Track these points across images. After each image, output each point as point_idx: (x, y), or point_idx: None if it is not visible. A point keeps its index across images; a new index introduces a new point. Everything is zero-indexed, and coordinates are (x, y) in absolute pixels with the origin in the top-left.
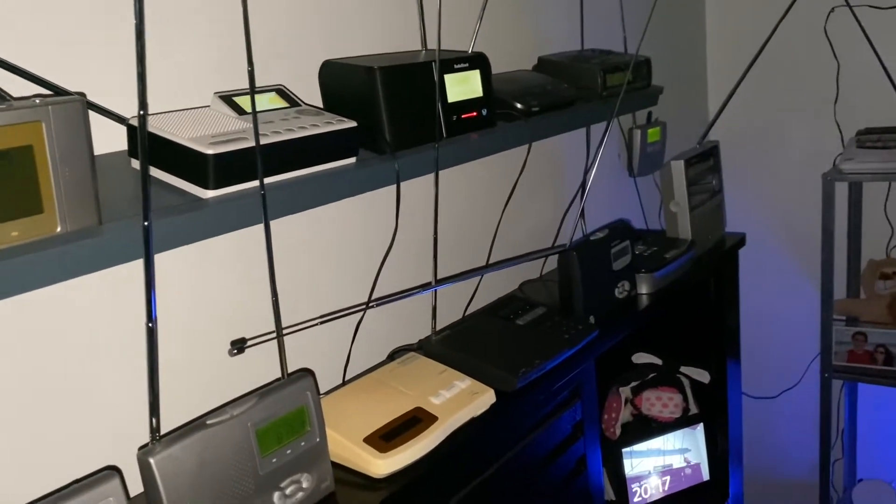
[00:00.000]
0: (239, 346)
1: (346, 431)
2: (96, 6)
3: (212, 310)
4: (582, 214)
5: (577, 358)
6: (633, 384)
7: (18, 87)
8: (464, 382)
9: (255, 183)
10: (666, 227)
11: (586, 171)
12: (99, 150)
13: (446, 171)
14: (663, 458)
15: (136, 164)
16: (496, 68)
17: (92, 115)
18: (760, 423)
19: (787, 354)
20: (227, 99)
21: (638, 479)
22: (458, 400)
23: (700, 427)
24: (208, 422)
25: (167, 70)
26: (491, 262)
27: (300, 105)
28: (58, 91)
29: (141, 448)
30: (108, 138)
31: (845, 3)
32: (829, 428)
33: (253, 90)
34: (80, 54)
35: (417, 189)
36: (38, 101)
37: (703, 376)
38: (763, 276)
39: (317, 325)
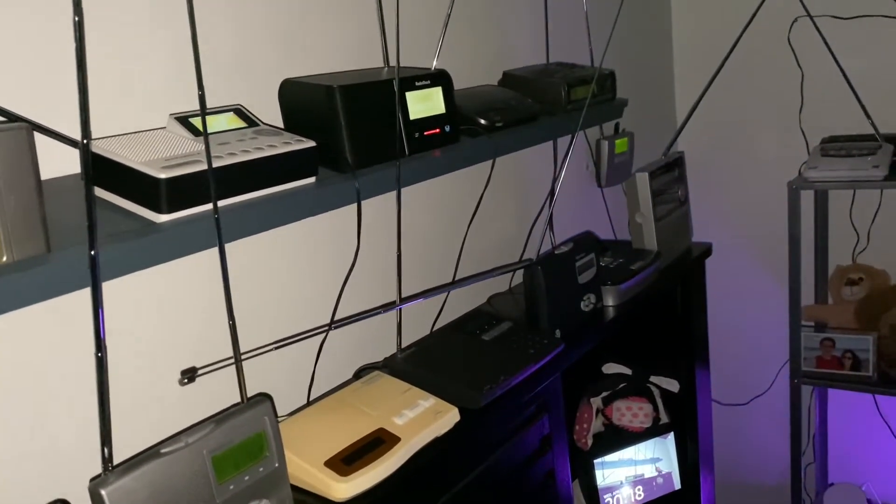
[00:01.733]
0: (189, 375)
1: (307, 455)
2: (53, 32)
3: (170, 335)
4: (551, 227)
5: (542, 372)
6: (604, 394)
7: None
8: (428, 401)
9: (211, 206)
10: (632, 239)
11: (553, 184)
12: (57, 172)
13: (412, 187)
14: (635, 468)
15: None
16: (461, 83)
17: (46, 139)
18: (732, 430)
19: (756, 361)
20: (183, 120)
21: (610, 489)
22: (422, 420)
23: (671, 436)
24: (162, 450)
25: (125, 91)
26: (459, 276)
27: (258, 125)
28: (8, 117)
29: (92, 479)
30: (67, 161)
31: (807, 14)
32: (799, 433)
33: (204, 112)
34: (36, 77)
35: (382, 206)
36: None
37: (673, 385)
38: (732, 285)
39: (272, 349)
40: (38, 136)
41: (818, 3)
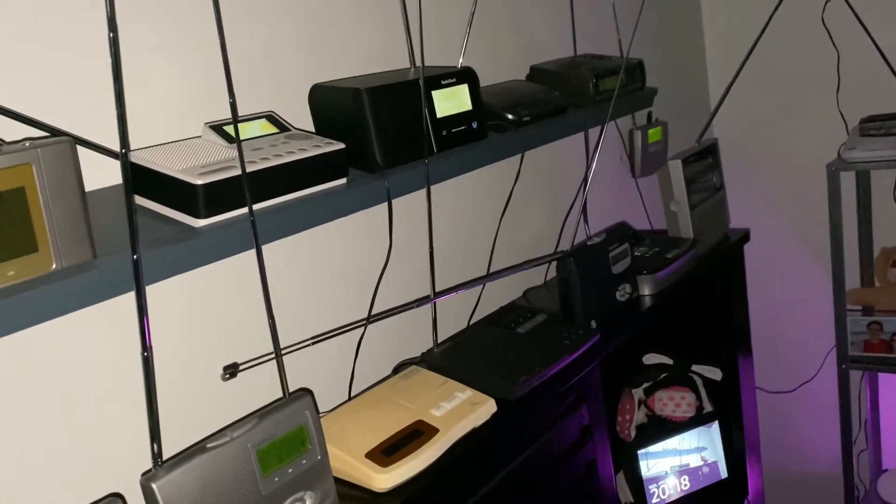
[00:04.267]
0: (231, 370)
1: (348, 447)
2: (90, 49)
3: (212, 335)
4: (585, 218)
5: (579, 363)
6: (646, 385)
7: (16, 130)
8: (464, 393)
9: (246, 209)
10: (668, 227)
11: (585, 175)
12: (101, 184)
13: (443, 184)
14: (679, 458)
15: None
16: (489, 79)
17: (90, 152)
18: (780, 418)
19: (803, 348)
20: (218, 128)
21: (655, 479)
22: (459, 411)
23: (715, 425)
24: (208, 445)
25: (161, 103)
26: (492, 270)
27: (290, 130)
28: (52, 132)
29: (144, 474)
30: (108, 172)
31: None
32: (849, 419)
33: (236, 120)
34: (78, 92)
35: (413, 204)
36: (27, 143)
37: (715, 374)
38: (774, 271)
39: (311, 344)
40: (80, 150)
41: None
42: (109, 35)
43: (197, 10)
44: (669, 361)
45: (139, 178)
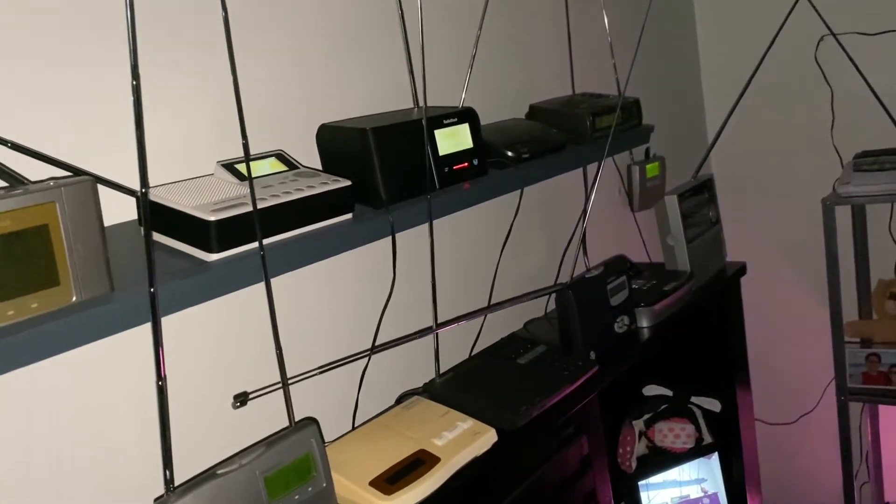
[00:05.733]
0: (241, 399)
1: (353, 475)
2: (110, 92)
3: (223, 366)
4: (585, 252)
5: (578, 393)
6: (646, 417)
7: (41, 170)
8: (466, 423)
9: (256, 244)
10: (665, 261)
11: (583, 210)
12: (118, 219)
13: (445, 218)
14: (680, 489)
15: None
16: (490, 118)
17: (108, 189)
18: (781, 450)
19: (803, 380)
20: (230, 167)
21: None
22: (461, 440)
23: (715, 456)
24: (218, 472)
25: (175, 141)
26: (493, 303)
27: (298, 168)
28: (73, 171)
29: (157, 499)
30: (124, 208)
31: (831, 34)
32: (849, 451)
33: (248, 159)
34: (97, 134)
35: (417, 238)
36: (51, 183)
37: (715, 405)
38: (774, 304)
39: (317, 374)
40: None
41: (844, 21)
42: (133, 83)
43: (211, 56)
44: (669, 393)
45: (154, 214)
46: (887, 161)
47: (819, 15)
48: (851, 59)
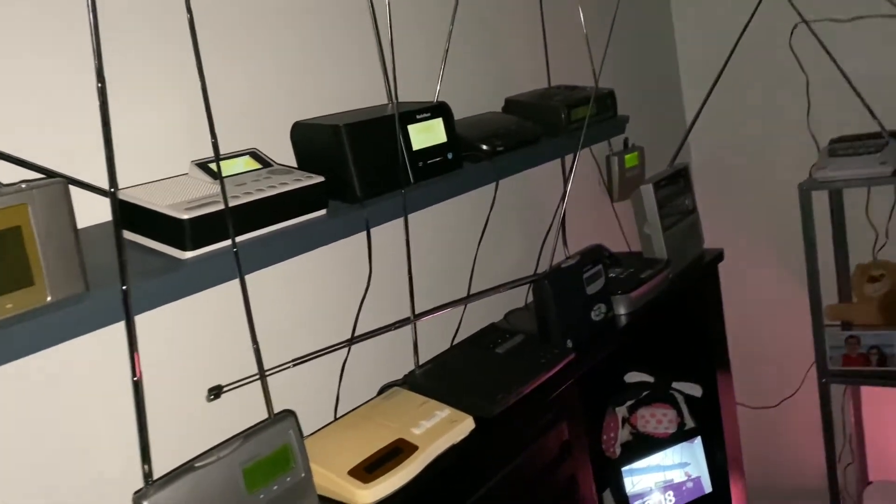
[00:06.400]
0: (215, 392)
1: (332, 465)
2: (80, 95)
3: (200, 361)
4: (565, 243)
5: (555, 380)
6: (628, 403)
7: (12, 173)
8: (443, 412)
9: (230, 241)
10: (643, 250)
11: (561, 201)
12: (93, 220)
13: (421, 212)
14: (664, 474)
15: (126, 233)
16: (466, 112)
17: (82, 191)
18: (764, 433)
19: (784, 364)
20: (203, 165)
21: (640, 496)
22: (438, 429)
23: (698, 440)
24: (196, 464)
25: (148, 142)
26: (471, 294)
27: (272, 165)
28: (46, 173)
29: (136, 493)
30: (100, 210)
31: (803, 21)
32: (832, 433)
33: (218, 158)
34: (68, 137)
35: (393, 232)
36: (23, 185)
37: (696, 390)
38: (754, 289)
39: (293, 366)
40: (72, 190)
41: (816, 8)
42: (98, 85)
43: (186, 56)
44: (650, 379)
45: (129, 215)
46: (862, 146)
47: (791, 3)
48: (824, 47)
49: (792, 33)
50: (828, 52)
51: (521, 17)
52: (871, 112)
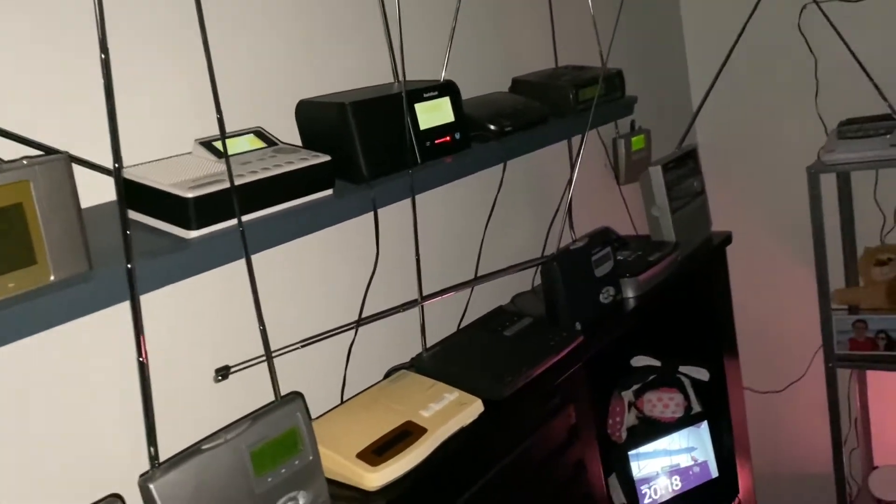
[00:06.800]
0: (223, 372)
1: (340, 448)
2: (83, 71)
3: (207, 342)
4: (571, 226)
5: (564, 363)
6: (635, 387)
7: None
8: (452, 394)
9: (236, 221)
10: (650, 232)
11: (568, 184)
12: (99, 200)
13: (429, 193)
14: (670, 459)
15: (130, 213)
16: (473, 92)
17: (86, 171)
18: (770, 418)
19: (791, 348)
20: (207, 144)
21: (647, 480)
22: (447, 411)
23: (704, 425)
24: (203, 447)
25: (153, 120)
26: (478, 276)
27: (277, 144)
28: (48, 151)
29: (142, 475)
30: (105, 190)
31: (813, 1)
32: (838, 417)
33: (223, 136)
34: (72, 113)
35: (400, 213)
36: (25, 161)
37: (703, 374)
38: (761, 273)
39: (300, 347)
40: (77, 169)
41: None
42: (101, 56)
43: (191, 34)
44: (657, 363)
45: (133, 194)
46: (871, 128)
47: None
48: (834, 27)
49: (801, 14)
50: (838, 33)
51: None
52: (881, 93)
